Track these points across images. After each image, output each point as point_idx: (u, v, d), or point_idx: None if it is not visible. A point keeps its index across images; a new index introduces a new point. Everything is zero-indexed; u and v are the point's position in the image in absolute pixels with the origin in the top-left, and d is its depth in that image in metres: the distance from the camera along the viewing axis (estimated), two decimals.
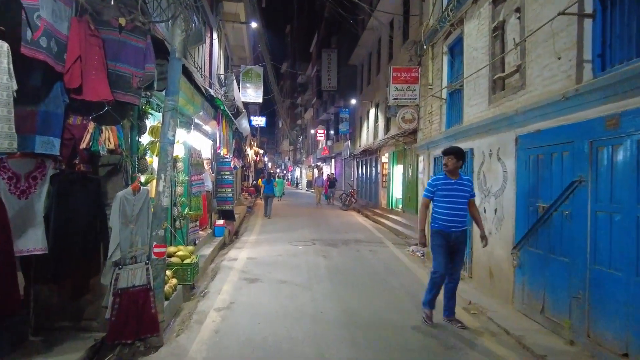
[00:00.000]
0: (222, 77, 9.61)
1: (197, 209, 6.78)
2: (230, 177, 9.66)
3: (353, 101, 18.86)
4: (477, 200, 5.09)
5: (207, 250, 7.27)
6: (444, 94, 7.19)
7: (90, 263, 3.49)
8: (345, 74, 23.42)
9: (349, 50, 22.53)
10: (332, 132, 29.85)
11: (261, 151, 23.95)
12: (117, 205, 3.49)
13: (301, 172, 44.50)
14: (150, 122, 4.45)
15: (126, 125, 3.72)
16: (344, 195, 18.69)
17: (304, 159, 41.22)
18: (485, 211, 5.39)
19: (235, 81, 9.66)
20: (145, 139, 4.33)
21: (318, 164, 34.27)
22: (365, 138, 19.92)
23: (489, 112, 5.42)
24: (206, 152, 8.62)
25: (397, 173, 14.26)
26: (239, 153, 9.16)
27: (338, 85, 23.65)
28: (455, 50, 6.98)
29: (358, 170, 21.56)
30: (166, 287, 4.17)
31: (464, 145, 5.68)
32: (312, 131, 35.00)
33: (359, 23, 22.15)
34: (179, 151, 5.99)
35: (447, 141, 6.53)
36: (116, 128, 3.50)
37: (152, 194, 4.02)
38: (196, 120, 6.43)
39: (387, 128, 15.95)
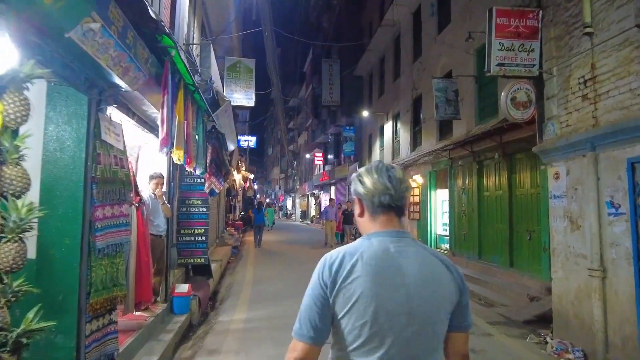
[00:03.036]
0: (194, 47, 6.00)
1: (110, 283, 2.87)
2: (204, 210, 5.77)
3: (365, 113, 15.42)
4: None
5: None
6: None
7: None
8: (349, 87, 20.17)
9: (351, 61, 19.38)
10: (330, 156, 26.30)
11: (251, 176, 20.08)
12: None
13: (294, 201, 40.52)
14: None
15: None
16: (354, 228, 14.79)
17: (298, 187, 37.38)
18: None
19: (213, 53, 6.09)
20: None
21: (315, 191, 30.44)
22: (379, 159, 16.30)
23: None
24: (158, 165, 4.78)
25: (439, 200, 10.54)
26: (218, 169, 5.28)
27: (341, 101, 20.32)
28: None
29: None
30: None
31: None
32: (308, 156, 31.42)
33: (365, 30, 19.15)
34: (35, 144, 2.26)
35: None
36: None
37: None
38: (117, 82, 2.63)
39: (414, 143, 12.35)
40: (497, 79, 7.64)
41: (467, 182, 8.79)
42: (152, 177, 4.63)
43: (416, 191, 12.32)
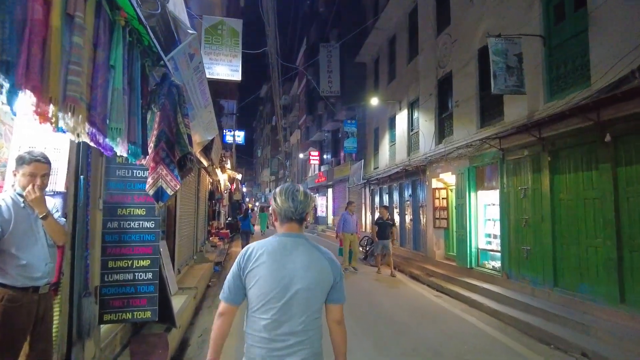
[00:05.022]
0: None
1: None
2: (151, 226, 3.30)
3: (374, 101, 13.06)
4: None
5: None
6: None
7: None
8: (350, 76, 17.85)
9: (352, 47, 17.10)
10: (327, 155, 23.91)
11: (238, 176, 17.50)
12: None
13: None
14: None
15: None
16: (366, 238, 12.38)
17: None
18: None
19: None
20: None
21: None
22: (389, 156, 13.99)
23: None
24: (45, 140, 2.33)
25: (481, 204, 8.22)
26: (171, 151, 2.78)
27: (341, 91, 17.97)
28: None
29: (377, 201, 15.45)
30: None
31: None
32: (301, 155, 28.97)
33: (369, 10, 16.88)
34: None
35: None
36: None
37: None
38: None
39: (440, 133, 10.06)
40: (588, 31, 5.38)
41: (531, 179, 6.48)
42: (21, 163, 2.21)
43: (442, 193, 10.01)
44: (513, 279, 6.83)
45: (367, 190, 16.47)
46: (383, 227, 9.41)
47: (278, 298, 1.51)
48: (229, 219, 20.27)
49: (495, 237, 7.95)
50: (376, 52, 15.69)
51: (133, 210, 3.26)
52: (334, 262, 1.64)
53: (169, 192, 2.99)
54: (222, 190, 13.87)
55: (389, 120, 13.94)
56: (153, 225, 3.30)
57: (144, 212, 3.28)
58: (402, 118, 12.64)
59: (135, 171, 3.30)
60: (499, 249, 7.50)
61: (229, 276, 1.61)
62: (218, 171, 12.50)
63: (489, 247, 8.05)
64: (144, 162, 3.01)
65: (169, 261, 6.48)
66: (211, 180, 12.74)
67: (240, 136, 18.46)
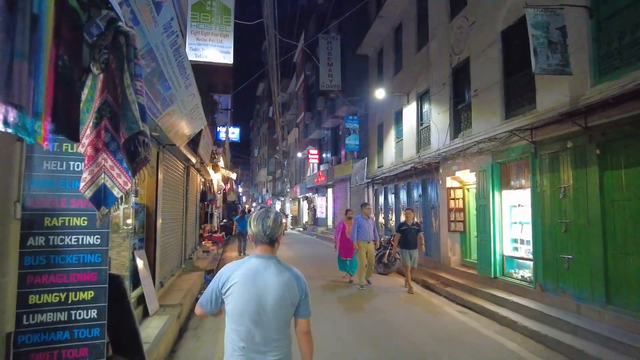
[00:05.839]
0: None
1: None
2: (96, 239, 2.30)
3: (380, 94, 12.06)
4: None
5: None
6: None
7: None
8: (352, 69, 16.89)
9: (353, 39, 16.18)
10: (327, 154, 22.93)
11: (233, 175, 16.37)
12: None
13: (283, 206, 36.99)
14: None
15: None
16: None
17: (288, 190, 33.87)
18: None
19: None
20: None
21: (308, 194, 27.00)
22: (395, 153, 13.03)
23: None
24: None
25: (506, 205, 7.26)
26: (116, 127, 1.78)
27: (342, 85, 16.98)
28: None
29: (381, 202, 14.48)
30: None
31: None
32: (300, 154, 27.98)
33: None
34: None
35: None
36: None
37: None
38: None
39: (456, 126, 9.11)
40: None
41: (573, 177, 5.52)
42: None
43: (458, 193, 9.05)
44: (550, 292, 5.87)
45: (371, 190, 15.50)
46: (409, 234, 7.84)
47: (251, 312, 1.73)
48: (224, 220, 19.23)
49: (522, 242, 7.00)
50: (379, 43, 14.72)
51: (69, 220, 2.26)
52: (300, 280, 1.83)
53: (116, 193, 2.00)
54: (216, 190, 12.84)
55: (395, 114, 12.97)
56: (99, 241, 2.30)
57: (85, 223, 2.28)
58: (410, 112, 11.68)
59: (72, 163, 2.30)
60: (530, 256, 6.54)
61: (208, 289, 1.84)
62: (210, 170, 11.49)
63: (516, 254, 7.09)
64: (81, 149, 2.03)
65: (148, 274, 5.47)
66: (203, 179, 11.73)
67: (235, 133, 17.40)
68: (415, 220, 8.33)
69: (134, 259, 5.19)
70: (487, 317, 6.14)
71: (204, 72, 9.15)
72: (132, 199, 5.03)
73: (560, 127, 5.67)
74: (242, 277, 1.75)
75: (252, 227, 1.83)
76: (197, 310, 1.86)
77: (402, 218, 8.63)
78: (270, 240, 1.82)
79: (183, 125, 5.32)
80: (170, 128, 4.94)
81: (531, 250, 6.52)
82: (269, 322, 1.73)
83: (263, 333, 1.72)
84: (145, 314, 5.09)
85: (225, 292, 1.75)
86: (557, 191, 5.78)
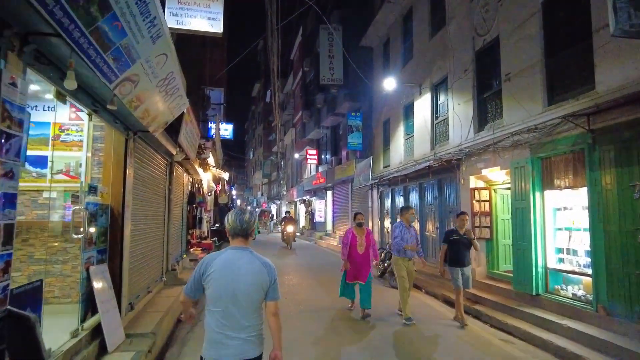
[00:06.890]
0: None
1: None
2: None
3: (391, 82, 10.88)
4: None
5: None
6: None
7: None
8: (354, 62, 15.75)
9: (355, 30, 15.07)
10: (326, 155, 21.73)
11: (225, 175, 15.06)
12: None
13: (279, 209, 35.71)
14: None
15: None
16: (384, 251, 9.99)
17: (284, 193, 32.61)
18: None
19: None
20: None
21: (305, 197, 25.76)
22: (405, 150, 11.87)
23: None
24: None
25: (549, 208, 6.09)
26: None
27: (344, 79, 15.83)
28: None
29: (387, 206, 13.28)
30: None
31: None
32: (297, 156, 26.76)
33: None
34: None
35: None
36: None
37: None
38: None
39: (482, 117, 7.98)
40: None
41: None
42: None
43: (484, 194, 7.89)
44: (618, 317, 4.69)
45: (375, 192, 14.31)
46: (460, 247, 5.81)
47: (227, 295, 2.05)
48: (216, 225, 17.91)
49: (569, 252, 5.84)
50: (385, 32, 13.60)
51: None
52: (270, 267, 2.18)
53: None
54: (206, 192, 11.58)
55: (404, 109, 11.82)
56: None
57: None
58: (422, 104, 10.53)
59: None
60: (584, 270, 5.38)
61: (191, 278, 2.17)
62: (200, 169, 10.23)
63: (562, 266, 5.92)
64: None
65: (109, 296, 4.22)
66: (191, 179, 10.47)
67: (228, 129, 16.15)
68: (468, 228, 6.17)
69: (88, 278, 3.94)
70: (535, 346, 4.94)
71: (185, 36, 7.46)
72: (83, 198, 3.78)
73: (631, 111, 4.53)
74: (219, 266, 2.10)
75: (230, 222, 2.20)
76: (182, 297, 2.22)
77: (452, 224, 6.50)
78: (245, 233, 2.20)
79: (157, 101, 4.08)
80: (138, 104, 3.71)
81: (585, 262, 5.36)
82: (243, 304, 2.07)
83: (238, 313, 2.06)
84: (103, 350, 3.83)
85: (205, 279, 2.09)
86: (629, 190, 4.63)
